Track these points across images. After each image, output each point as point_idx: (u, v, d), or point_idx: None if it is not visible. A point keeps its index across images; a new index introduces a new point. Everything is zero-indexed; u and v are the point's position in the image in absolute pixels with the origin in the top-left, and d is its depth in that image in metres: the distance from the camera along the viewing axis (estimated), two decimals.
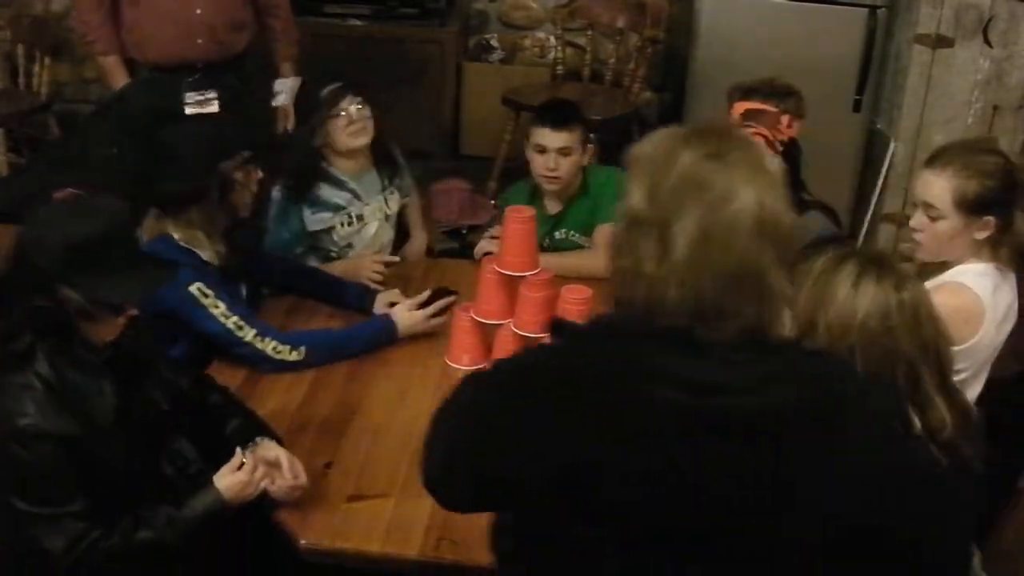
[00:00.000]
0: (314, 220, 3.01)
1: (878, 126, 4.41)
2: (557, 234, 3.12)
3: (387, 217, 3.16)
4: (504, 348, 2.42)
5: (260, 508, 2.06)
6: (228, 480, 2.02)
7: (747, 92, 2.65)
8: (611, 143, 4.01)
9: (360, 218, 3.08)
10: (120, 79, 3.55)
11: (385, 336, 2.61)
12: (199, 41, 3.47)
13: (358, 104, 2.97)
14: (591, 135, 3.24)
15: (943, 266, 2.30)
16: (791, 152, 2.65)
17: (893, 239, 4.27)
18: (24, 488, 1.90)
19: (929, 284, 2.29)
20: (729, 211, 1.27)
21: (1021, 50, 3.98)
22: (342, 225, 3.05)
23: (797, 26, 4.24)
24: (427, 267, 3.13)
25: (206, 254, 2.51)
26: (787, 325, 2.13)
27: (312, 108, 3.01)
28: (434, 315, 2.65)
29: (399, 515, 2.00)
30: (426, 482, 1.49)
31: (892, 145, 4.24)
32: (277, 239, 2.99)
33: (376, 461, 2.18)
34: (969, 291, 2.21)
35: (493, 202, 3.44)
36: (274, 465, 2.07)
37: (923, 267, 2.40)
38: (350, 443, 2.24)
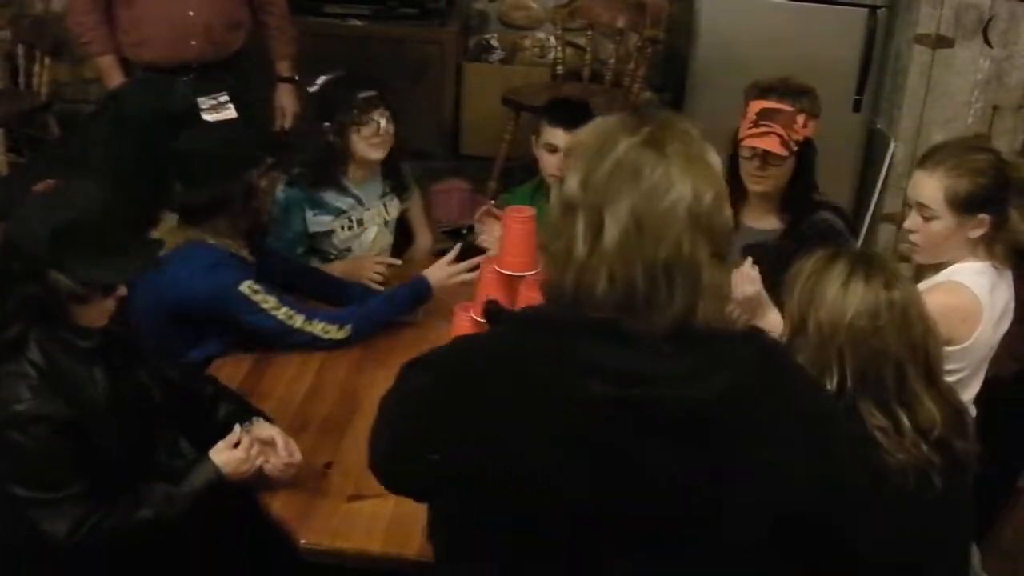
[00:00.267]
0: (316, 222, 3.02)
1: (878, 126, 4.41)
2: None
3: (386, 222, 3.17)
4: None
5: (260, 508, 2.07)
6: (225, 455, 2.06)
7: (763, 91, 2.64)
8: None
9: (360, 223, 3.08)
10: (116, 79, 3.56)
11: (421, 295, 2.68)
12: (193, 42, 3.48)
13: (387, 118, 2.98)
14: None
15: (940, 266, 2.31)
16: (806, 152, 2.65)
17: (893, 239, 4.27)
18: (24, 474, 1.92)
19: (926, 283, 2.30)
20: (665, 201, 1.26)
21: (1021, 50, 3.98)
22: (343, 229, 3.05)
23: (797, 26, 4.24)
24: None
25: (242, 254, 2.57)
26: (776, 323, 2.15)
27: (333, 105, 2.99)
28: (464, 271, 2.69)
29: (399, 515, 2.00)
30: (371, 467, 1.50)
31: (892, 145, 4.24)
32: (279, 238, 2.99)
33: None
34: (967, 290, 2.22)
35: (492, 202, 3.44)
36: (269, 444, 2.10)
37: (920, 266, 2.40)
38: (350, 443, 2.24)
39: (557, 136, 3.00)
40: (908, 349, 1.76)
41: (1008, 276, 2.28)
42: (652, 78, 4.99)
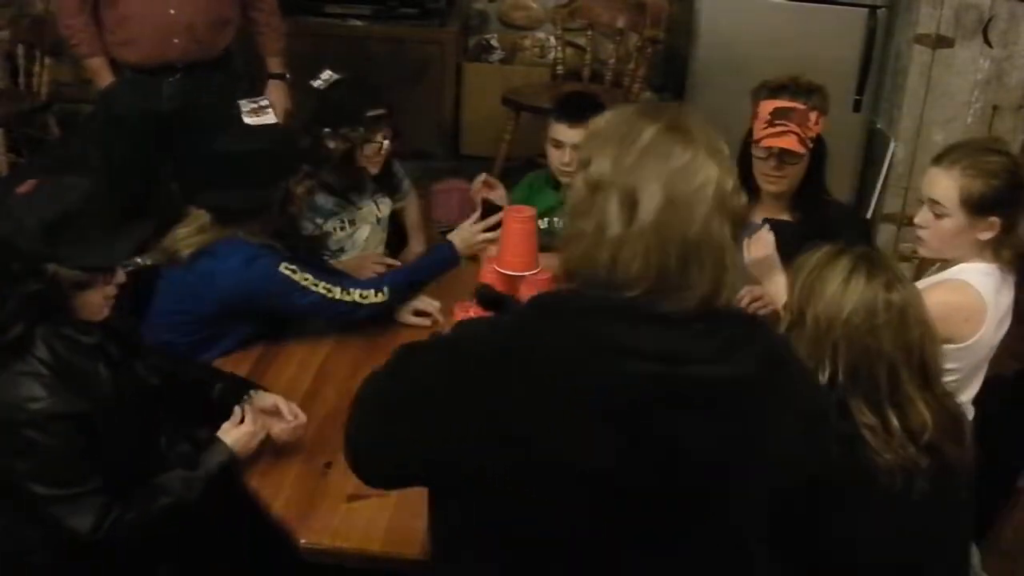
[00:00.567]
0: (308, 225, 3.02)
1: (878, 126, 4.41)
2: (560, 218, 3.10)
3: (378, 220, 3.17)
4: None
5: (260, 508, 2.07)
6: (234, 434, 2.11)
7: (775, 90, 2.64)
8: None
9: (352, 222, 3.09)
10: (106, 80, 3.56)
11: (449, 259, 2.71)
12: (176, 40, 3.47)
13: (390, 137, 2.99)
14: None
15: (943, 264, 2.31)
16: (818, 150, 2.65)
17: (893, 239, 4.27)
18: (44, 472, 1.93)
19: (930, 279, 2.30)
20: (695, 181, 1.30)
21: (1021, 50, 3.98)
22: (335, 230, 3.06)
23: (797, 26, 4.24)
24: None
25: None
26: (781, 286, 2.21)
27: (339, 115, 2.97)
28: (488, 229, 2.70)
29: (399, 515, 2.00)
30: (353, 452, 1.49)
31: (892, 145, 4.24)
32: None
33: None
34: (972, 289, 2.21)
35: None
36: (272, 413, 2.17)
37: (923, 263, 2.40)
38: None
39: (560, 131, 3.01)
40: (903, 351, 1.76)
41: (1011, 280, 2.28)
42: (652, 78, 4.99)
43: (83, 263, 1.94)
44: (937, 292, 2.16)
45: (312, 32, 4.82)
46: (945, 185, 2.23)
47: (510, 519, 1.35)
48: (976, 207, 2.21)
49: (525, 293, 2.42)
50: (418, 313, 2.71)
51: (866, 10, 4.19)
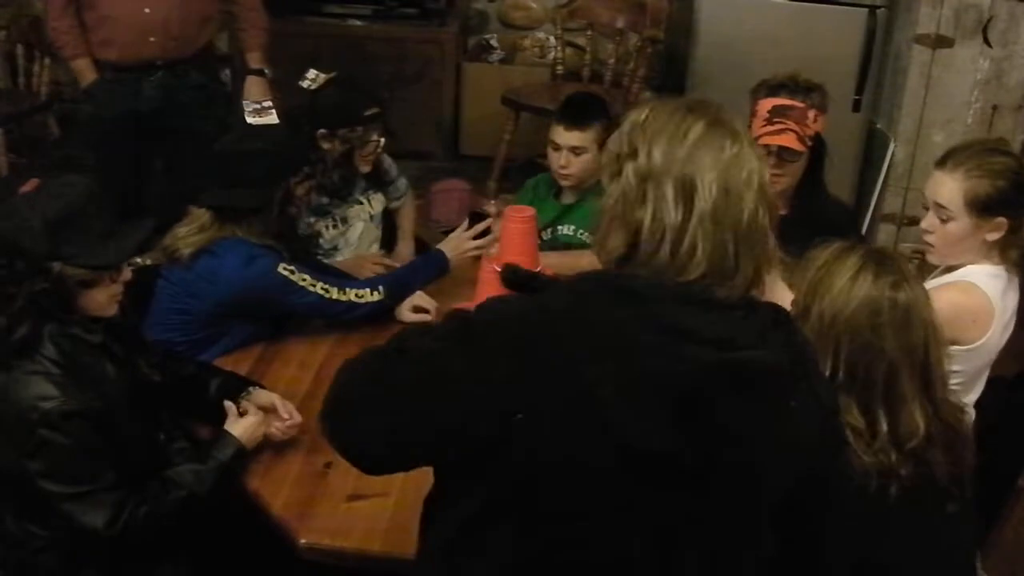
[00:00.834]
0: (301, 224, 3.01)
1: (878, 126, 4.41)
2: (562, 227, 3.10)
3: (371, 217, 3.18)
4: None
5: (260, 508, 2.07)
6: (240, 426, 2.14)
7: (774, 89, 2.64)
8: None
9: (344, 220, 3.09)
10: (90, 80, 3.57)
11: (439, 267, 2.78)
12: (152, 39, 3.48)
13: (383, 139, 3.00)
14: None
15: (949, 267, 2.30)
16: (817, 148, 2.65)
17: (893, 239, 4.27)
18: (57, 470, 1.93)
19: (936, 280, 2.29)
20: (744, 171, 1.36)
21: (1021, 50, 3.98)
22: (327, 228, 3.06)
23: (797, 26, 4.24)
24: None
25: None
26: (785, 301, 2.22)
27: (333, 116, 2.95)
28: (476, 237, 2.77)
29: (399, 515, 2.00)
30: (340, 435, 1.47)
31: (892, 145, 4.24)
32: None
33: None
34: (980, 291, 2.20)
35: (493, 202, 3.44)
36: (269, 410, 2.20)
37: (925, 263, 2.39)
38: None
39: (558, 133, 3.01)
40: (905, 352, 1.75)
41: (1016, 282, 2.27)
42: (652, 78, 4.99)
43: (88, 262, 1.95)
44: (945, 293, 2.15)
45: (312, 32, 4.82)
46: (950, 188, 2.22)
47: (538, 500, 1.36)
48: (982, 208, 2.20)
49: None
50: (417, 310, 2.72)
51: (866, 10, 4.19)
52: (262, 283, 2.50)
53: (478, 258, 2.88)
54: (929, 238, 2.29)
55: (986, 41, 3.98)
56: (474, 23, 5.29)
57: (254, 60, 3.75)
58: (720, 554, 1.42)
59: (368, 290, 2.61)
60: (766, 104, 2.62)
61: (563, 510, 1.37)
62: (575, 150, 2.99)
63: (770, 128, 2.58)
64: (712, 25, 4.34)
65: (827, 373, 1.74)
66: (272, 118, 2.91)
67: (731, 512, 1.40)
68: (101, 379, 2.01)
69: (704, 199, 1.34)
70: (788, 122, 2.57)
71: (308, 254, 2.87)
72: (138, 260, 2.53)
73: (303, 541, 1.98)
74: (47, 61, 4.73)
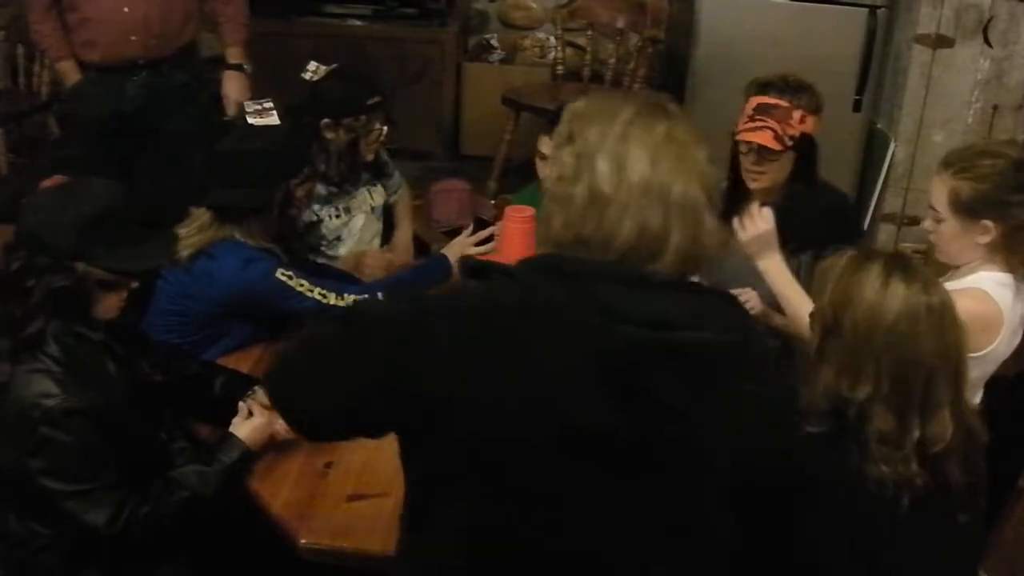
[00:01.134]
0: (304, 213, 3.02)
1: (878, 126, 4.41)
2: None
3: (372, 209, 3.19)
4: None
5: (260, 508, 2.07)
6: (246, 427, 2.12)
7: (762, 87, 2.65)
8: None
9: (347, 210, 3.10)
10: (75, 81, 3.57)
11: (442, 272, 2.76)
12: (133, 38, 3.47)
13: (386, 127, 3.02)
14: None
15: (953, 272, 2.29)
16: (803, 148, 2.65)
17: (893, 239, 4.27)
18: (60, 468, 1.93)
19: (948, 287, 2.28)
20: (674, 147, 1.39)
21: (1021, 50, 3.99)
22: (330, 218, 3.07)
23: (797, 26, 4.24)
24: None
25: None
26: (778, 265, 2.33)
27: (336, 106, 2.98)
28: (480, 243, 2.79)
29: (399, 515, 2.00)
30: (289, 400, 1.54)
31: (892, 145, 4.24)
32: None
33: (376, 461, 2.18)
34: (992, 300, 2.18)
35: (492, 202, 3.44)
36: (272, 409, 2.14)
37: (927, 264, 2.39)
38: (350, 442, 2.23)
39: (544, 143, 3.02)
40: (941, 358, 1.71)
41: (1022, 288, 2.26)
42: (652, 78, 4.99)
43: (113, 265, 1.96)
44: (960, 301, 2.13)
45: (312, 32, 4.83)
46: (939, 189, 2.23)
47: (486, 478, 1.39)
48: (965, 211, 2.19)
49: None
50: None
51: (866, 10, 4.19)
52: (259, 287, 2.50)
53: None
54: (931, 238, 2.30)
55: (986, 41, 3.98)
56: (474, 23, 5.30)
57: (233, 56, 3.72)
58: (673, 533, 1.44)
59: (367, 295, 2.61)
60: (753, 102, 2.64)
61: (511, 488, 1.39)
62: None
63: (750, 125, 2.60)
64: (713, 25, 4.34)
65: (870, 384, 1.72)
66: (273, 118, 2.91)
67: (675, 490, 1.42)
68: (103, 378, 2.01)
69: (633, 171, 1.37)
70: (769, 120, 2.58)
71: (308, 255, 2.87)
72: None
73: (303, 541, 1.98)
74: (47, 61, 4.72)
